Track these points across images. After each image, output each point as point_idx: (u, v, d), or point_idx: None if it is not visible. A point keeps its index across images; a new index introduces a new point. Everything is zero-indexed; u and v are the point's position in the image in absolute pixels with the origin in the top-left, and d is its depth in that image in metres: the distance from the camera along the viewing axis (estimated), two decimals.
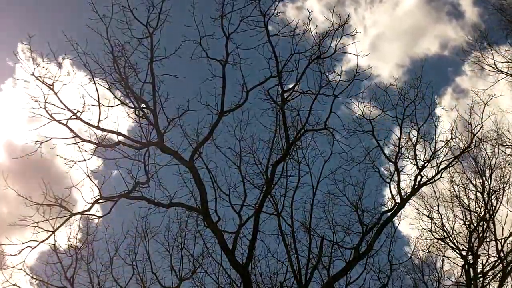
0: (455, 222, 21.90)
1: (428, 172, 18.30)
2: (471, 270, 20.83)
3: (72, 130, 15.84)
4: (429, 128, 18.70)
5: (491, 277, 20.91)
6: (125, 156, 16.21)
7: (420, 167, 18.02)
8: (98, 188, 15.95)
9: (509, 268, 20.61)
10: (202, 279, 18.86)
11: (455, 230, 21.80)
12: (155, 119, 16.19)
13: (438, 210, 22.19)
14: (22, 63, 15.73)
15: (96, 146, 16.02)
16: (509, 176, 21.67)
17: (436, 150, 18.31)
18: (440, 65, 31.74)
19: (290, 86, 17.25)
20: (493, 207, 21.49)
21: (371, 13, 30.32)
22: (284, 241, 17.90)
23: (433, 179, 18.37)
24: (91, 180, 15.93)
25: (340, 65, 17.73)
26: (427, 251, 21.90)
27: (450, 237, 21.66)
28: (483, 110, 19.30)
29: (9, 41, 22.28)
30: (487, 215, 21.45)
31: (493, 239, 21.26)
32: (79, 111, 15.74)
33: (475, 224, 21.57)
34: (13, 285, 17.45)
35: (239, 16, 16.57)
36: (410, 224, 21.81)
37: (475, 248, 21.21)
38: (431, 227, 21.98)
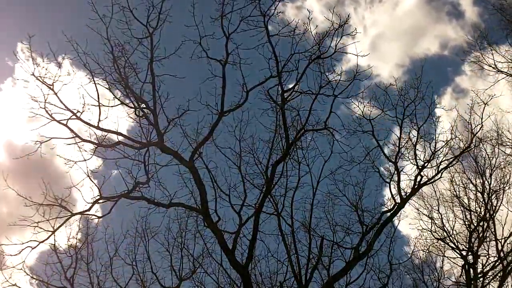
0: (455, 222, 21.93)
1: (428, 172, 18.34)
2: (471, 270, 20.82)
3: (72, 130, 15.85)
4: (429, 128, 18.73)
5: (491, 277, 20.92)
6: (125, 156, 16.22)
7: (420, 167, 18.01)
8: (98, 188, 15.97)
9: (509, 268, 20.60)
10: (202, 279, 18.92)
11: (455, 230, 21.83)
12: (155, 119, 16.19)
13: (438, 210, 22.22)
14: (22, 63, 15.78)
15: (96, 146, 16.02)
16: (509, 176, 21.68)
17: (436, 150, 18.31)
18: (440, 65, 31.76)
19: (290, 86, 17.27)
20: (493, 207, 21.50)
21: (371, 13, 30.34)
22: (284, 241, 17.90)
23: (433, 179, 18.37)
24: (91, 180, 15.96)
25: (340, 65, 17.77)
26: (427, 251, 21.92)
27: (450, 237, 21.67)
28: (483, 110, 19.33)
29: (9, 41, 22.32)
30: (487, 215, 21.45)
31: (493, 239, 21.27)
32: (79, 111, 15.75)
33: (475, 224, 21.57)
34: (13, 285, 17.46)
35: (239, 16, 16.60)
36: (410, 224, 21.85)
37: (475, 248, 21.21)
38: (431, 227, 22.02)
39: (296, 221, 18.25)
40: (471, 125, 19.16)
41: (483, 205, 21.61)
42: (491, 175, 21.75)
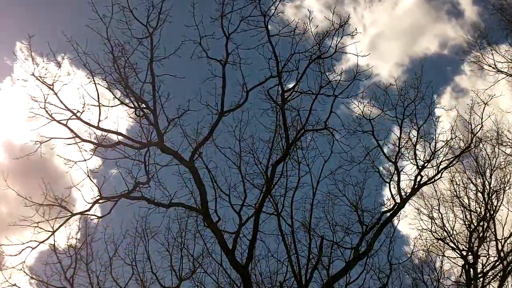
0: (455, 222, 21.94)
1: (428, 172, 18.33)
2: (471, 270, 20.82)
3: (72, 130, 15.83)
4: (429, 128, 18.72)
5: (491, 277, 20.93)
6: (125, 156, 16.20)
7: (420, 167, 18.00)
8: (98, 188, 15.95)
9: (509, 268, 20.61)
10: (202, 279, 18.91)
11: (455, 230, 21.84)
12: (155, 119, 16.17)
13: (438, 210, 22.22)
14: (21, 63, 15.76)
15: (96, 146, 16.01)
16: (510, 176, 21.70)
17: (436, 150, 18.30)
18: (439, 64, 31.76)
19: (290, 86, 17.27)
20: (494, 207, 21.51)
21: (371, 12, 30.32)
22: (284, 241, 17.89)
23: (433, 179, 18.37)
24: (91, 180, 15.95)
25: (339, 64, 17.77)
26: (427, 251, 21.92)
27: (450, 237, 21.67)
28: (483, 110, 19.34)
29: (8, 40, 22.32)
30: (488, 215, 21.46)
31: (493, 239, 21.29)
32: (79, 111, 15.73)
33: (475, 224, 21.58)
34: (13, 285, 17.46)
35: (239, 16, 16.58)
36: (410, 224, 21.86)
37: (475, 248, 21.22)
38: (431, 227, 22.04)
39: (296, 221, 18.28)
40: (471, 125, 19.19)
41: (483, 205, 21.63)
42: (491, 175, 21.81)
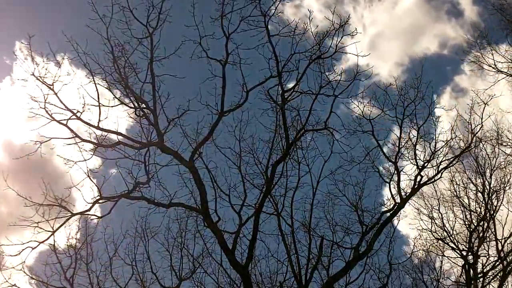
0: (455, 222, 21.93)
1: (428, 172, 18.33)
2: (471, 270, 20.82)
3: (72, 130, 15.83)
4: (429, 128, 18.72)
5: (491, 277, 20.93)
6: (125, 156, 16.20)
7: (420, 167, 18.00)
8: (98, 188, 15.94)
9: (509, 268, 20.61)
10: (202, 279, 18.89)
11: (455, 230, 21.83)
12: (155, 119, 16.17)
13: (438, 210, 22.22)
14: (21, 63, 15.77)
15: (96, 146, 16.00)
16: (510, 176, 21.70)
17: (436, 150, 18.30)
18: (439, 64, 31.77)
19: (290, 86, 17.27)
20: (494, 207, 21.50)
21: (370, 12, 30.30)
22: (284, 241, 17.89)
23: (433, 179, 18.36)
24: (91, 180, 15.94)
25: (339, 64, 17.75)
26: (427, 251, 21.91)
27: (450, 237, 21.67)
28: (483, 110, 19.34)
29: (8, 40, 22.32)
30: (488, 215, 21.46)
31: (493, 239, 21.28)
32: (79, 111, 15.72)
33: (475, 224, 21.57)
34: (13, 285, 17.44)
35: (239, 16, 16.57)
36: (410, 224, 21.85)
37: (475, 248, 21.21)
38: (431, 227, 22.02)
39: (296, 221, 18.28)
40: (471, 125, 19.21)
41: (483, 205, 21.63)
42: (491, 175, 21.80)
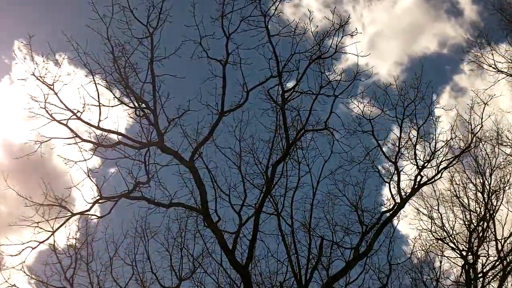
0: (455, 222, 21.91)
1: (428, 172, 18.33)
2: (471, 270, 20.81)
3: (72, 130, 15.84)
4: (429, 128, 18.72)
5: (491, 277, 20.91)
6: (126, 156, 16.20)
7: (420, 167, 18.00)
8: (98, 188, 15.95)
9: (509, 268, 20.60)
10: (202, 279, 18.89)
11: (455, 230, 21.81)
12: (155, 119, 16.17)
13: (438, 210, 22.21)
14: (22, 62, 15.77)
15: (96, 146, 16.00)
16: (509, 176, 21.69)
17: (436, 150, 18.29)
18: (438, 63, 31.78)
19: (290, 86, 17.27)
20: (493, 207, 21.49)
21: (370, 11, 30.30)
22: (284, 241, 17.89)
23: (433, 179, 18.35)
24: (91, 180, 15.95)
25: (338, 63, 17.70)
26: (427, 251, 21.91)
27: (450, 237, 21.65)
28: (483, 110, 19.31)
29: (8, 40, 22.29)
30: (487, 215, 21.44)
31: (493, 239, 21.26)
32: (79, 111, 15.73)
33: (475, 224, 21.56)
34: (12, 285, 17.42)
35: (239, 16, 16.60)
36: (410, 224, 21.84)
37: (475, 248, 21.19)
38: (431, 227, 22.00)
39: (296, 221, 18.28)
40: (471, 125, 19.18)
41: (483, 205, 21.61)
42: (491, 175, 21.77)
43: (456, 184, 22.15)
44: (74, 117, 15.75)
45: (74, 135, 15.86)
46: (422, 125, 18.35)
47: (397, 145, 18.16)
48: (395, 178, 17.90)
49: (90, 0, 15.71)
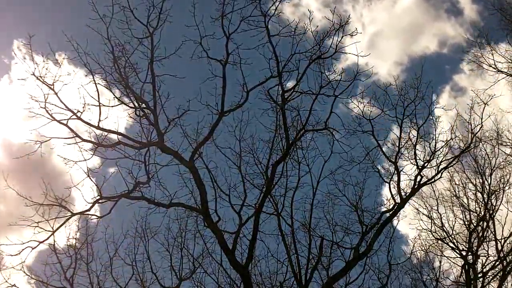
0: (455, 222, 21.93)
1: (428, 172, 18.33)
2: (471, 270, 20.82)
3: (72, 130, 15.83)
4: (429, 128, 18.72)
5: (490, 277, 20.93)
6: (126, 156, 16.20)
7: (420, 167, 18.00)
8: (98, 188, 15.95)
9: (509, 268, 20.62)
10: (202, 279, 18.89)
11: (455, 230, 21.83)
12: (155, 119, 16.17)
13: (437, 210, 22.22)
14: (21, 62, 15.77)
15: (96, 146, 16.00)
16: (509, 176, 21.71)
17: (436, 150, 18.29)
18: (438, 63, 31.80)
19: (291, 86, 17.27)
20: (493, 207, 21.50)
21: (369, 11, 30.33)
22: (284, 241, 17.90)
23: (433, 179, 18.34)
24: (91, 180, 15.95)
25: (338, 63, 17.69)
26: (426, 251, 21.92)
27: (450, 237, 21.67)
28: (483, 110, 19.30)
29: (7, 40, 22.31)
30: (487, 215, 21.46)
31: (493, 239, 21.27)
32: (79, 111, 15.73)
33: (474, 224, 21.57)
34: (12, 285, 17.40)
35: (239, 16, 16.59)
36: (410, 224, 21.85)
37: (475, 248, 21.21)
38: (431, 227, 22.01)
39: (296, 221, 18.29)
40: (471, 125, 19.16)
41: (482, 205, 21.62)
42: (490, 175, 21.80)
43: (456, 184, 22.20)
44: (74, 117, 15.75)
45: (74, 135, 15.87)
46: (422, 125, 18.37)
47: (397, 145, 18.17)
48: (395, 178, 17.92)
49: (90, 0, 15.72)
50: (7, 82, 22.80)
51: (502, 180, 21.71)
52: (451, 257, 21.65)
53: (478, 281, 20.72)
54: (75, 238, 18.65)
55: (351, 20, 17.09)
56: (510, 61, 22.65)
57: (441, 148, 18.39)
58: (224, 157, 17.90)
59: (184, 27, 16.48)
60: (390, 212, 17.70)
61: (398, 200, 17.70)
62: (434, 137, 18.42)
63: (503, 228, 21.33)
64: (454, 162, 19.06)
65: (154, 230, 19.02)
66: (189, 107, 16.44)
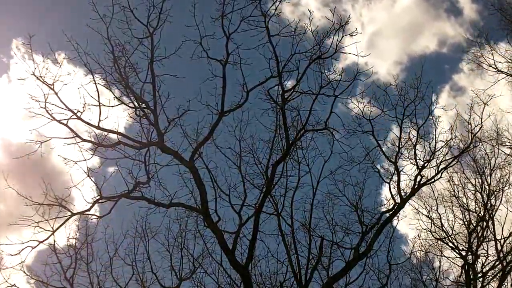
0: (454, 222, 21.95)
1: (428, 172, 18.33)
2: (471, 270, 20.83)
3: (72, 130, 15.84)
4: (428, 128, 18.72)
5: (490, 277, 20.95)
6: (126, 156, 16.21)
7: (420, 167, 18.00)
8: (98, 188, 15.96)
9: (508, 268, 20.63)
10: (202, 279, 18.90)
11: (455, 230, 21.84)
12: (155, 119, 16.17)
13: (437, 210, 22.23)
14: (21, 62, 15.77)
15: (96, 146, 15.99)
16: (509, 176, 21.73)
17: (435, 150, 18.30)
18: (437, 62, 31.81)
19: (291, 86, 17.27)
20: (493, 207, 21.52)
21: (369, 10, 30.35)
22: (284, 241, 17.90)
23: (433, 179, 18.33)
24: (91, 180, 15.95)
25: (338, 62, 17.69)
26: (426, 251, 21.93)
27: (450, 237, 21.68)
28: (483, 110, 19.30)
29: (7, 39, 22.32)
30: (487, 215, 21.47)
31: (493, 239, 21.29)
32: (79, 111, 15.73)
33: (474, 224, 21.59)
34: (12, 285, 17.40)
35: (239, 16, 16.60)
36: (409, 224, 21.87)
37: (475, 248, 21.22)
38: (431, 227, 22.03)
39: (296, 221, 18.29)
40: (470, 125, 19.17)
41: (482, 205, 21.63)
42: (490, 175, 21.81)
43: (455, 184, 22.20)
44: (74, 117, 15.75)
45: (74, 135, 15.87)
46: (422, 125, 18.35)
47: (397, 145, 18.16)
48: (395, 178, 17.92)
49: (90, 0, 15.72)
50: (6, 82, 22.77)
51: (501, 180, 21.76)
52: (450, 257, 21.72)
53: (477, 281, 20.74)
54: (75, 238, 18.69)
55: (350, 20, 17.11)
56: (510, 61, 22.67)
57: (441, 148, 18.41)
58: (224, 157, 17.94)
59: (184, 27, 16.51)
60: (390, 212, 17.70)
61: (398, 200, 17.71)
62: (434, 137, 18.45)
63: (502, 228, 21.39)
64: (454, 162, 19.08)
65: (154, 230, 19.06)
66: (189, 107, 16.48)
